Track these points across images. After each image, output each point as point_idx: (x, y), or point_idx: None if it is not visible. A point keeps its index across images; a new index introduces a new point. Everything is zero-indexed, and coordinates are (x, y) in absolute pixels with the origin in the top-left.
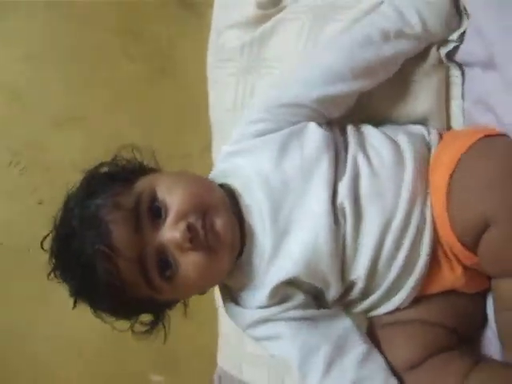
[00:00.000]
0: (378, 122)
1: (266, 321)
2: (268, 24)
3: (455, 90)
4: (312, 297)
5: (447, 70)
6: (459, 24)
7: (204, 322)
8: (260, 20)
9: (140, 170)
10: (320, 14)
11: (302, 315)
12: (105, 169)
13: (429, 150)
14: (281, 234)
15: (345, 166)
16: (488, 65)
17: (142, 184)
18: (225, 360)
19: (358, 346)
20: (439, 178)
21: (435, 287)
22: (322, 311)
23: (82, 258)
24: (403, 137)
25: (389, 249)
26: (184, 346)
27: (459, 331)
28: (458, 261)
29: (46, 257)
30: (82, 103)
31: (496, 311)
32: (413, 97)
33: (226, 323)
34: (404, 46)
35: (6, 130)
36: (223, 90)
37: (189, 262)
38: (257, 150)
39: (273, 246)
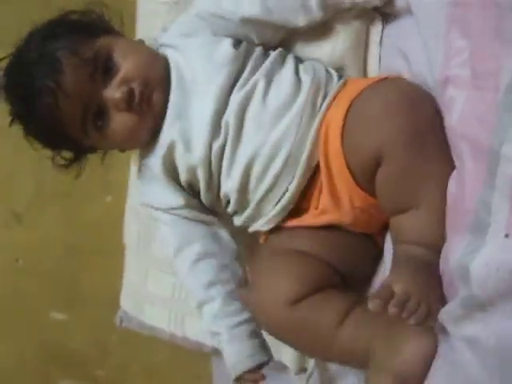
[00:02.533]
0: None
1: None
2: None
3: (374, 36)
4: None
5: (368, 15)
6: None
7: (111, 260)
8: None
9: (105, 28)
10: None
11: (185, 215)
12: (73, 16)
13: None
14: (175, 117)
15: (244, 85)
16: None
17: (103, 41)
18: (127, 300)
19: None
20: (336, 117)
21: (320, 219)
22: (204, 216)
23: (30, 87)
24: (308, 77)
25: (257, 171)
26: (90, 284)
27: (344, 271)
28: (350, 199)
29: None
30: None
31: (394, 245)
32: (332, 42)
33: (130, 262)
34: None
35: None
36: (153, 17)
37: (119, 120)
38: (180, 47)
39: (170, 122)
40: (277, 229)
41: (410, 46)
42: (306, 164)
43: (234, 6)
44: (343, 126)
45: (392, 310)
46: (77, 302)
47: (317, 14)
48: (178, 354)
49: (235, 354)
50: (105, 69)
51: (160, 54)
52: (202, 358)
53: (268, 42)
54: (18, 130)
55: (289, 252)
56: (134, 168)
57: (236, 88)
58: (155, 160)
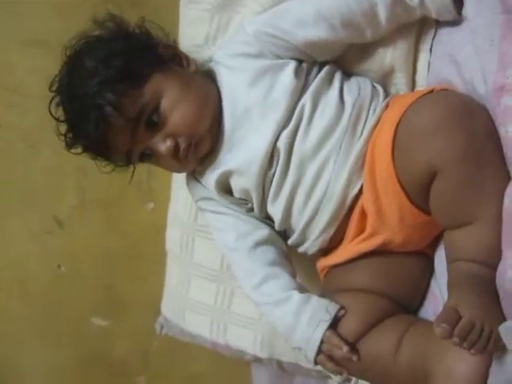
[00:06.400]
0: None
1: (212, 199)
2: None
3: (425, 44)
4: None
5: (421, 23)
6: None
7: (153, 267)
8: None
9: (157, 58)
10: None
11: (238, 210)
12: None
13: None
14: (231, 146)
15: (293, 113)
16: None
17: (152, 86)
18: (168, 307)
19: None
20: (384, 135)
21: (370, 242)
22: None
23: (79, 122)
24: (351, 99)
25: (299, 201)
26: (131, 291)
27: (399, 296)
28: (401, 217)
29: None
30: (48, 27)
31: (449, 262)
32: (384, 49)
33: (172, 269)
34: (398, 13)
35: None
36: (196, 25)
37: (165, 162)
38: (235, 69)
39: (225, 152)
40: (332, 267)
41: (462, 53)
42: (344, 191)
43: (296, 27)
44: (393, 142)
45: (455, 340)
46: (118, 308)
47: (385, 27)
48: (219, 361)
49: (316, 307)
50: (149, 123)
51: (211, 89)
52: (243, 365)
53: (329, 58)
54: (59, 139)
55: (347, 291)
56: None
57: (290, 117)
58: (208, 180)
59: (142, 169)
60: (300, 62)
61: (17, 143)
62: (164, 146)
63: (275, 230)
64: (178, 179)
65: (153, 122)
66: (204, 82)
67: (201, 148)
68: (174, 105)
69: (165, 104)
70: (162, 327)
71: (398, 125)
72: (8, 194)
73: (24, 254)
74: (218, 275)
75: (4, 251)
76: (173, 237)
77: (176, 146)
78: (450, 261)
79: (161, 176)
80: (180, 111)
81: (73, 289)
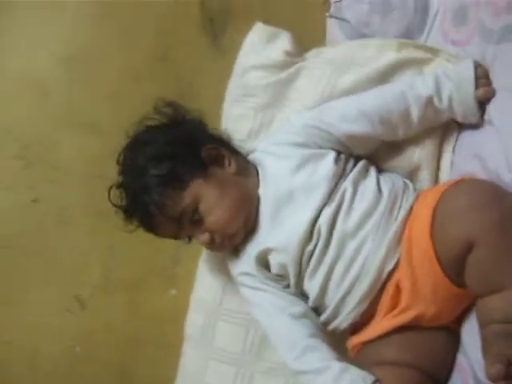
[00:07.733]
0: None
1: (251, 275)
2: (292, 69)
3: (449, 145)
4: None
5: (445, 125)
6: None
7: (169, 353)
8: (285, 65)
9: (201, 165)
10: (337, 67)
11: (275, 286)
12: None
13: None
14: (273, 227)
15: (336, 194)
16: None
17: (192, 192)
18: None
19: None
20: (421, 217)
21: (404, 316)
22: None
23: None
24: (387, 188)
25: (337, 275)
26: (144, 376)
27: (429, 368)
28: (434, 290)
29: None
30: (101, 112)
31: (482, 328)
32: (413, 148)
33: (189, 354)
34: (429, 115)
35: (21, 123)
36: (240, 121)
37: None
38: (282, 156)
39: (267, 231)
40: (364, 343)
41: (486, 151)
42: (381, 266)
43: (340, 121)
44: (431, 221)
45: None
46: None
47: (416, 127)
48: None
49: (354, 377)
50: (190, 221)
51: (251, 183)
52: None
53: (364, 152)
54: (91, 214)
55: (378, 365)
56: (203, 257)
57: (330, 198)
58: (249, 256)
59: (168, 255)
60: (339, 153)
61: (50, 218)
62: (202, 237)
63: (309, 307)
64: (204, 265)
65: (193, 220)
66: (242, 182)
67: (234, 240)
68: (211, 209)
69: (203, 207)
70: None
71: (434, 208)
72: (33, 267)
73: (39, 330)
74: (238, 359)
75: (19, 324)
76: (194, 322)
77: (212, 239)
78: (483, 325)
79: (186, 263)
80: (215, 216)
81: (85, 371)
